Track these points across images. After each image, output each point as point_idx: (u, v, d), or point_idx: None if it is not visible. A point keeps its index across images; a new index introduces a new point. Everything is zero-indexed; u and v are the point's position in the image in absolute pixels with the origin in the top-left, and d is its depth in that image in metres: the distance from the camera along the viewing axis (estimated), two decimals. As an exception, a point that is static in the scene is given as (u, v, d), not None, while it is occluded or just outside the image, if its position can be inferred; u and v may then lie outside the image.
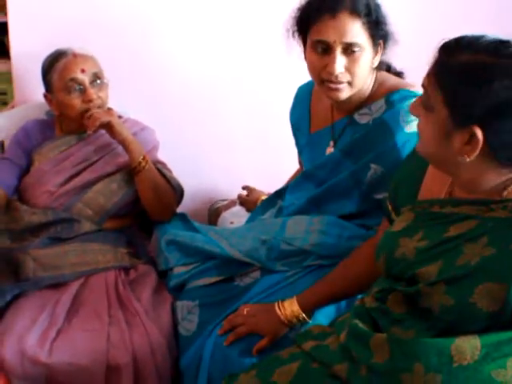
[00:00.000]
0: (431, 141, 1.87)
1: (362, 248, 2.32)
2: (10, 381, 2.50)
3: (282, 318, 2.23)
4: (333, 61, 2.42)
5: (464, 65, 1.76)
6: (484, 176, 1.84)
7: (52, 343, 2.61)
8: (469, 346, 1.76)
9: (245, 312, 2.19)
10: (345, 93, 2.50)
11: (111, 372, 2.59)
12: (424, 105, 1.86)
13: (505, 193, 1.84)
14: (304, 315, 2.30)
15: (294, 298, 2.30)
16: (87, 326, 2.68)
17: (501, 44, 1.77)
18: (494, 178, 1.84)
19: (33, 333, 2.63)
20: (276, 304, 2.27)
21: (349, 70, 2.45)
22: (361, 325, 1.94)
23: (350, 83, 2.48)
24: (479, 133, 1.74)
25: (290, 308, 2.23)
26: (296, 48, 2.58)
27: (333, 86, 2.47)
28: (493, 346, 1.77)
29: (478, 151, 1.76)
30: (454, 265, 1.83)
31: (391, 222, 2.17)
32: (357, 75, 2.47)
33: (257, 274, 2.63)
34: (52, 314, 2.73)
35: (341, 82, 2.47)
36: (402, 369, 1.82)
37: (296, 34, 2.55)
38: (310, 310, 2.24)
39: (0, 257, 2.92)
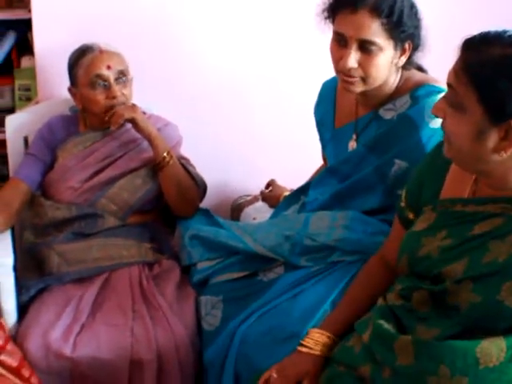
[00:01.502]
0: (465, 141, 1.82)
1: (374, 260, 2.30)
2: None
3: (316, 352, 2.13)
4: (347, 55, 2.44)
5: (498, 59, 1.74)
6: None
7: (76, 337, 2.63)
8: (495, 348, 1.76)
9: (275, 374, 2.11)
10: (357, 87, 2.52)
11: (134, 367, 2.61)
12: (453, 105, 1.82)
13: None
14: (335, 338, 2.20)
15: (321, 329, 2.20)
16: (111, 320, 2.70)
17: None
18: None
19: (57, 327, 2.65)
20: (300, 346, 2.17)
21: (362, 66, 2.46)
22: (385, 325, 1.93)
23: (363, 79, 2.49)
24: None
25: (322, 339, 2.18)
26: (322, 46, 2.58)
27: (345, 78, 2.50)
28: None
29: None
30: (480, 262, 1.83)
31: (404, 219, 2.17)
32: (370, 72, 2.47)
33: (280, 269, 2.63)
34: (76, 308, 2.75)
35: (353, 77, 2.48)
36: (427, 372, 1.81)
37: (325, 20, 2.55)
38: (341, 332, 2.19)
39: (24, 252, 2.96)
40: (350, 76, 2.47)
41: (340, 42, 2.46)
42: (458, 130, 1.82)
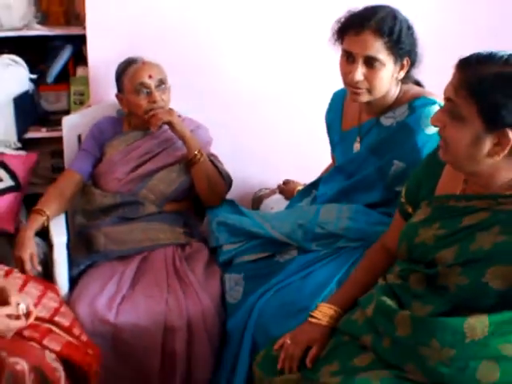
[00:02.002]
0: (463, 147, 1.82)
1: (375, 247, 2.29)
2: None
3: (323, 323, 2.13)
4: (354, 69, 2.45)
5: (494, 76, 1.75)
6: (500, 172, 1.83)
7: (118, 306, 2.65)
8: (479, 324, 1.75)
9: (288, 341, 2.13)
10: (363, 97, 2.52)
11: (167, 333, 2.62)
12: (453, 116, 1.82)
13: None
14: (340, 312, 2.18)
15: (328, 303, 2.19)
16: (148, 292, 2.71)
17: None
18: (507, 174, 1.82)
19: (102, 297, 2.67)
20: (310, 318, 2.17)
21: (368, 79, 2.46)
22: (388, 302, 1.93)
23: (368, 90, 2.49)
24: (510, 134, 1.73)
25: (329, 312, 2.18)
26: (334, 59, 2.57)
27: (353, 89, 2.50)
28: (500, 323, 1.76)
29: (507, 150, 1.76)
30: (468, 250, 1.83)
31: (403, 212, 2.15)
32: (374, 85, 2.48)
33: (294, 252, 2.63)
34: (119, 281, 2.76)
35: (360, 88, 2.48)
36: (421, 343, 1.81)
37: (335, 42, 2.56)
38: (346, 307, 2.19)
39: (76, 233, 2.99)
40: (358, 88, 2.48)
41: (348, 59, 2.47)
42: (457, 137, 1.82)
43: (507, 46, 1.88)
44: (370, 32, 2.41)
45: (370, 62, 2.43)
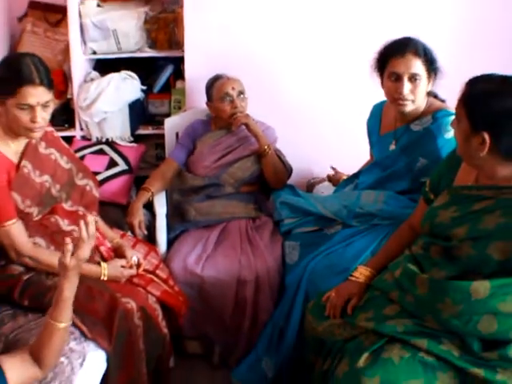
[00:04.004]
0: (460, 143, 1.86)
1: (404, 225, 2.25)
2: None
3: (361, 281, 2.13)
4: (402, 86, 2.43)
5: (482, 90, 1.79)
6: (496, 167, 1.82)
7: (204, 263, 2.68)
8: (482, 287, 1.75)
9: (333, 294, 2.12)
10: (409, 107, 2.49)
11: (240, 284, 2.64)
12: (456, 119, 1.86)
13: None
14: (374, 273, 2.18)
15: (365, 266, 2.18)
16: (226, 253, 2.73)
17: (505, 78, 1.80)
18: (504, 168, 1.81)
19: (192, 255, 2.71)
20: (351, 276, 2.17)
21: (412, 92, 2.44)
22: (412, 267, 1.92)
23: (412, 101, 2.47)
24: (487, 136, 1.75)
25: (366, 272, 2.16)
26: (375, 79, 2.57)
27: (401, 102, 2.47)
28: (498, 287, 1.75)
29: (487, 149, 1.76)
30: (476, 228, 1.82)
31: (427, 199, 2.12)
32: (417, 96, 2.46)
33: (339, 227, 2.61)
34: (204, 244, 2.78)
35: (407, 100, 2.45)
36: (436, 299, 1.80)
37: (376, 69, 2.54)
38: (379, 269, 2.19)
39: (172, 206, 3.00)
40: (405, 100, 2.45)
41: (394, 78, 2.44)
42: (457, 134, 1.88)
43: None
44: (411, 54, 2.40)
45: (414, 78, 2.41)
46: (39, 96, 2.08)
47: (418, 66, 2.40)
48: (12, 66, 2.09)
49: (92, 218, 1.80)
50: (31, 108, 2.08)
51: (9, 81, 2.07)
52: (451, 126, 1.93)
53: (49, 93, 2.12)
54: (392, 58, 2.44)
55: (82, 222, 1.76)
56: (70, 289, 1.76)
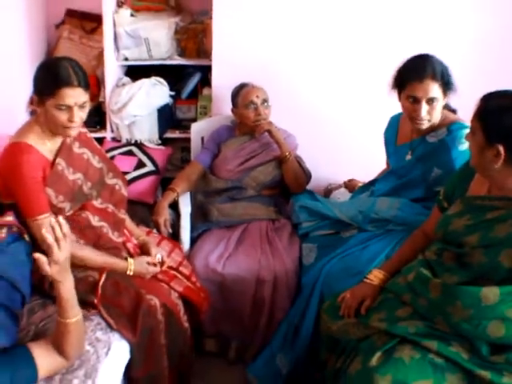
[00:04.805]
0: (474, 154, 1.85)
1: (417, 231, 2.25)
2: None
3: (375, 283, 2.13)
4: (420, 108, 2.40)
5: (497, 105, 1.78)
6: (508, 179, 1.82)
7: (225, 261, 2.68)
8: (492, 293, 1.74)
9: (348, 295, 2.13)
10: (425, 126, 2.47)
11: (259, 283, 2.64)
12: (471, 132, 1.85)
13: None
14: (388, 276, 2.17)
15: (379, 269, 2.18)
16: (247, 253, 2.73)
17: None
18: None
19: (214, 254, 2.71)
20: (365, 279, 2.17)
21: (429, 113, 2.42)
22: (425, 272, 1.92)
23: (429, 120, 2.45)
24: (501, 148, 1.75)
25: (380, 275, 2.15)
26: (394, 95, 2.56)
27: (418, 121, 2.45)
28: (507, 293, 1.74)
29: (502, 160, 1.76)
30: (488, 236, 1.81)
31: (441, 207, 2.11)
32: (433, 116, 2.44)
33: (355, 231, 2.60)
34: (226, 243, 2.78)
35: (423, 120, 2.44)
36: (448, 303, 1.80)
37: (394, 88, 2.52)
38: (393, 273, 2.18)
39: (196, 207, 3.01)
40: (422, 120, 2.43)
41: (412, 101, 2.42)
42: (472, 147, 1.87)
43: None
44: (429, 78, 2.36)
45: (431, 101, 2.39)
46: (77, 97, 2.11)
47: (435, 90, 2.38)
48: (51, 69, 2.12)
49: (61, 219, 1.75)
50: (69, 108, 2.11)
51: (48, 83, 2.10)
52: (466, 139, 1.92)
53: (85, 94, 2.15)
54: (410, 81, 2.40)
55: (53, 222, 1.72)
56: (66, 289, 1.75)
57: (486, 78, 2.91)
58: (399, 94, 2.50)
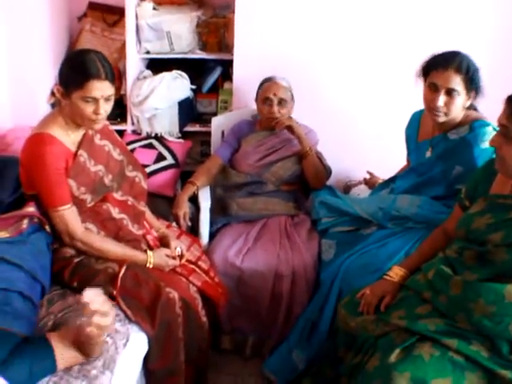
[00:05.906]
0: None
1: (438, 229, 2.24)
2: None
3: (395, 280, 2.13)
4: (437, 98, 2.39)
5: None
6: None
7: (244, 256, 2.68)
8: None
9: (368, 291, 2.12)
10: (441, 119, 2.45)
11: (277, 278, 2.64)
12: (506, 138, 1.80)
13: None
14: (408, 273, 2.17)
15: (400, 266, 2.17)
16: (266, 247, 2.73)
17: None
18: None
19: (232, 248, 2.71)
20: (385, 276, 2.17)
21: (447, 105, 2.40)
22: (446, 269, 1.91)
23: (445, 113, 2.43)
24: None
25: (400, 273, 2.14)
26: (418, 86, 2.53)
27: (434, 112, 2.44)
28: None
29: None
30: (511, 235, 1.80)
31: (462, 206, 2.10)
32: (451, 110, 2.42)
33: (374, 228, 2.60)
34: (245, 238, 2.79)
35: (440, 111, 2.42)
36: (469, 299, 1.79)
37: (420, 76, 2.51)
38: (413, 270, 2.18)
39: (216, 201, 3.01)
40: (438, 111, 2.42)
41: (433, 89, 2.41)
42: (510, 154, 1.80)
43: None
44: (453, 69, 2.35)
45: (450, 92, 2.37)
46: (103, 90, 2.13)
47: (457, 81, 2.36)
48: (79, 61, 2.13)
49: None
50: (95, 101, 2.13)
51: (76, 75, 2.12)
52: (491, 145, 1.88)
53: (112, 87, 2.17)
54: (434, 69, 2.41)
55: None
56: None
57: (505, 78, 2.89)
58: (424, 83, 2.50)
